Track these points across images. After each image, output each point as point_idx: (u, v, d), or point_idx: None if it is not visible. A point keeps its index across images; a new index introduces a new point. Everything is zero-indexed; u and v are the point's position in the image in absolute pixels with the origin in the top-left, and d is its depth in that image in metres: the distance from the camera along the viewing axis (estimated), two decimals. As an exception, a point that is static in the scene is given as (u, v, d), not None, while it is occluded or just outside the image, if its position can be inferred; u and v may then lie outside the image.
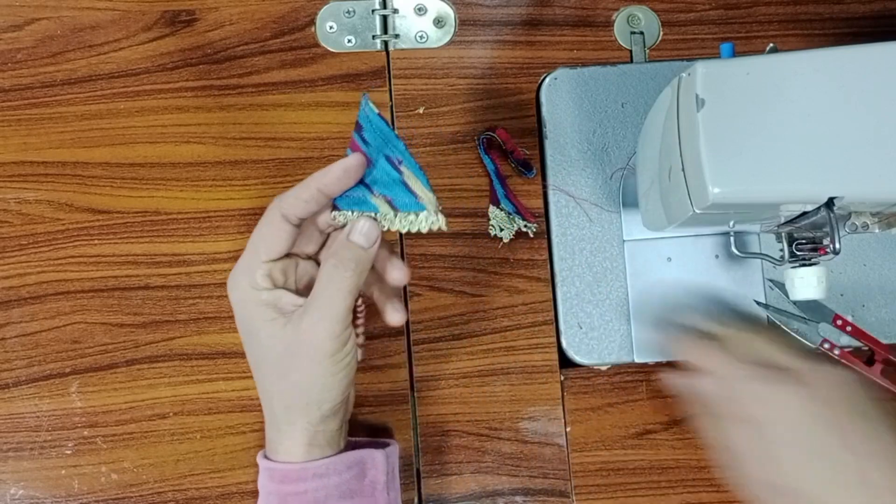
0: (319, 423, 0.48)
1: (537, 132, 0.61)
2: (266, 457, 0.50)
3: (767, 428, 0.47)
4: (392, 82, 0.62)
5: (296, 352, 0.46)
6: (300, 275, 0.49)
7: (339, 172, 0.47)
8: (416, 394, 0.58)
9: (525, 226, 0.59)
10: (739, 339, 0.51)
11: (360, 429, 0.57)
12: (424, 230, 0.48)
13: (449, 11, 0.63)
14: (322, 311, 0.46)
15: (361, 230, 0.47)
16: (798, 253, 0.54)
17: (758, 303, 0.59)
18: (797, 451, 0.46)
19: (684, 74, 0.47)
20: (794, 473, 0.46)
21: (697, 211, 0.46)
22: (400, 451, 0.54)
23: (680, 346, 0.53)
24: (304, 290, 0.49)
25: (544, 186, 0.61)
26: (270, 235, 0.47)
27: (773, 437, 0.47)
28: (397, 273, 0.49)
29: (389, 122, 0.48)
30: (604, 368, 0.59)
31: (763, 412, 0.47)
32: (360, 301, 0.51)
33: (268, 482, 0.49)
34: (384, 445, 0.52)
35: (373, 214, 0.48)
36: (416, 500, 0.57)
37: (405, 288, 0.59)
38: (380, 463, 0.50)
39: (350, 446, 0.51)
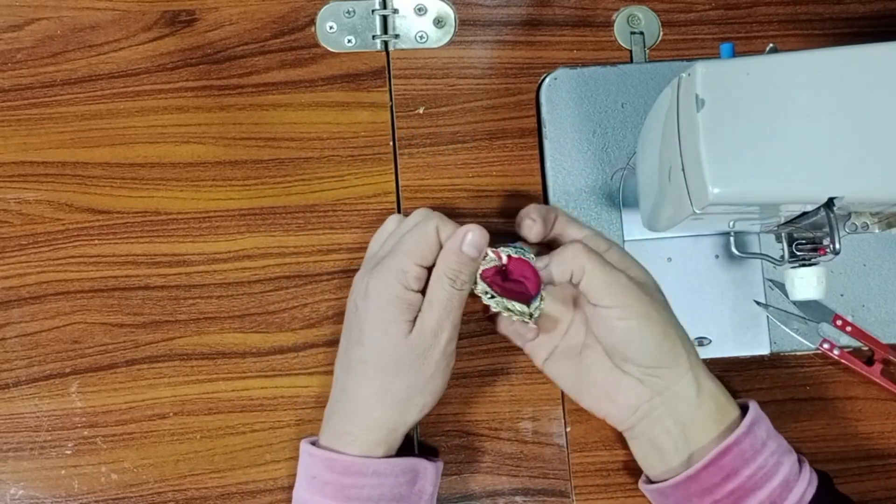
0: (409, 424, 0.51)
1: (537, 132, 0.61)
2: (317, 444, 0.52)
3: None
4: (392, 82, 0.62)
5: (425, 353, 0.49)
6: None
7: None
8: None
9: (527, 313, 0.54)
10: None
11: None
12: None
13: (449, 11, 0.63)
14: (433, 322, 0.49)
15: (470, 240, 0.50)
16: (798, 253, 0.54)
17: (758, 303, 0.59)
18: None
19: (684, 74, 0.47)
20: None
21: (697, 211, 0.46)
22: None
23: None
24: None
25: (544, 186, 0.61)
26: (426, 244, 0.50)
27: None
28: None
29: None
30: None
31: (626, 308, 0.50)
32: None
33: (325, 472, 0.50)
34: (432, 459, 0.53)
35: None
36: (416, 500, 0.57)
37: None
38: (430, 474, 0.52)
39: (399, 454, 0.52)
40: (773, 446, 0.50)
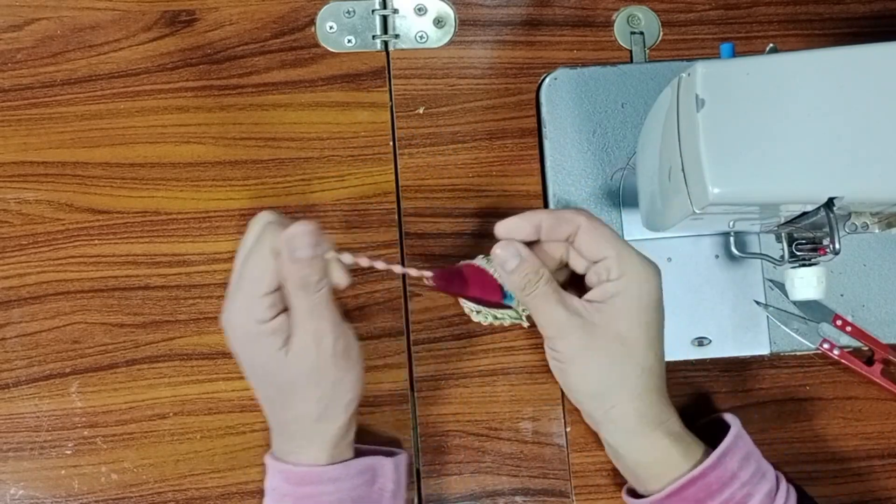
0: (346, 427, 0.50)
1: (537, 132, 0.61)
2: (276, 458, 0.51)
3: (627, 278, 0.50)
4: (392, 82, 0.62)
5: (315, 365, 0.47)
6: None
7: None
8: (416, 394, 0.58)
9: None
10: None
11: (367, 434, 0.57)
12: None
13: (449, 11, 0.63)
14: (309, 325, 0.47)
15: (298, 246, 0.46)
16: (798, 253, 0.54)
17: (758, 303, 0.59)
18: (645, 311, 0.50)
19: (684, 74, 0.47)
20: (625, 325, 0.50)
21: (697, 211, 0.46)
22: (408, 459, 0.55)
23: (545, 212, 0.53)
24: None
25: (544, 186, 0.61)
26: (265, 269, 0.46)
27: (630, 288, 0.50)
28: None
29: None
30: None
31: (625, 265, 0.50)
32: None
33: (283, 483, 0.50)
34: (393, 454, 0.53)
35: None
36: (416, 500, 0.57)
37: (405, 288, 0.59)
38: (389, 471, 0.51)
39: (358, 453, 0.52)
40: (744, 477, 0.49)
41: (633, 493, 0.53)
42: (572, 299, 0.50)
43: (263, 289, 0.46)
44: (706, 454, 0.50)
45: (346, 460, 0.50)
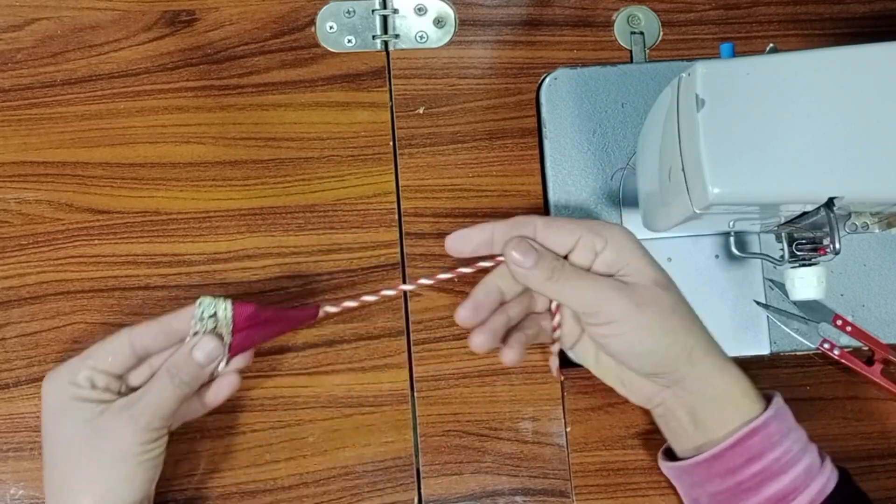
0: None
1: (537, 132, 0.61)
2: None
3: (612, 246, 0.49)
4: (392, 82, 0.62)
5: (102, 445, 0.47)
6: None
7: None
8: (416, 394, 0.58)
9: None
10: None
11: (368, 434, 0.57)
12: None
13: (449, 11, 0.63)
14: (139, 411, 0.47)
15: (205, 349, 0.49)
16: (798, 253, 0.54)
17: (758, 303, 0.59)
18: (647, 258, 0.50)
19: (684, 74, 0.47)
20: (652, 272, 0.49)
21: (697, 211, 0.46)
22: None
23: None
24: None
25: (544, 185, 0.61)
26: (109, 351, 0.49)
27: (621, 249, 0.49)
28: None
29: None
30: (604, 368, 0.59)
31: (604, 234, 0.49)
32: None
33: None
34: None
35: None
36: (416, 500, 0.57)
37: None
38: None
39: None
40: (797, 434, 0.49)
41: (670, 458, 0.53)
42: (597, 273, 0.49)
43: (92, 363, 0.48)
44: (764, 404, 0.50)
45: None
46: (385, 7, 0.63)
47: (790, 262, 0.55)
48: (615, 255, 0.49)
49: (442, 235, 0.59)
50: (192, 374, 0.49)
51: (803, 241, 0.54)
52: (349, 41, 0.62)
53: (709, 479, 0.49)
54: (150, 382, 0.49)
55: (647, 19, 0.63)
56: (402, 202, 0.60)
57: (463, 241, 0.50)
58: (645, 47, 0.63)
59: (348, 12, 0.62)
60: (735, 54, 0.50)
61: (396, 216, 0.60)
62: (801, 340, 0.59)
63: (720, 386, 0.49)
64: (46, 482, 0.49)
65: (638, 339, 0.48)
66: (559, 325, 0.52)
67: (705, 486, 0.50)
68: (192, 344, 0.49)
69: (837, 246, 0.46)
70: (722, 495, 0.49)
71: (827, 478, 0.48)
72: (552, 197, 0.60)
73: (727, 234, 0.58)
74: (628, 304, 0.47)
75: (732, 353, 0.59)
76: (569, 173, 0.60)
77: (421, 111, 0.61)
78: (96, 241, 0.59)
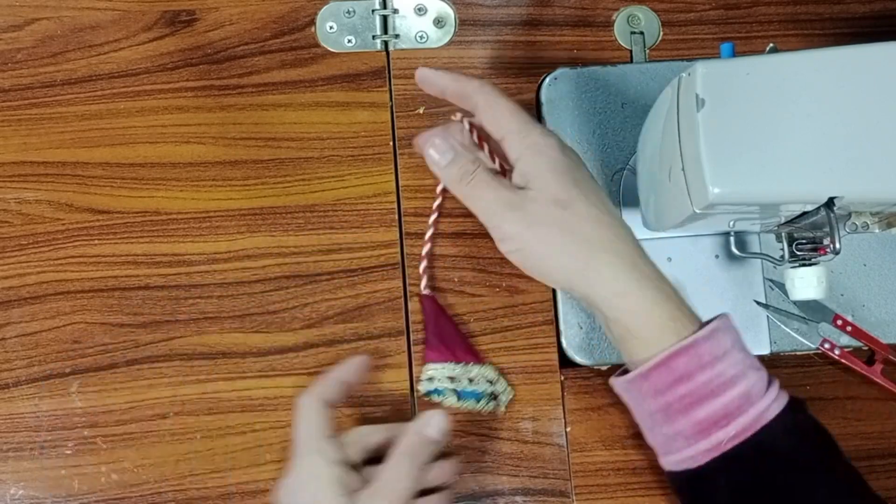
0: None
1: (537, 132, 0.61)
2: None
3: (529, 155, 0.49)
4: (392, 82, 0.62)
5: None
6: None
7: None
8: (416, 394, 0.58)
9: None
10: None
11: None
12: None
13: (449, 11, 0.63)
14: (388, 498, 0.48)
15: (437, 424, 0.50)
16: (798, 253, 0.54)
17: (758, 303, 0.59)
18: (561, 173, 0.49)
19: (684, 74, 0.47)
20: (557, 189, 0.48)
21: (697, 211, 0.46)
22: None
23: (454, 76, 0.53)
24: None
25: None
26: (322, 419, 0.51)
27: (536, 162, 0.49)
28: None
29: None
30: (604, 368, 0.59)
31: (528, 139, 0.49)
32: None
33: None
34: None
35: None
36: (416, 500, 0.57)
37: (405, 288, 0.59)
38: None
39: None
40: (737, 357, 0.47)
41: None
42: (509, 183, 0.50)
43: (327, 432, 0.51)
44: (700, 328, 0.48)
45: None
46: (385, 7, 0.63)
47: (790, 262, 0.55)
48: (527, 167, 0.49)
49: (442, 235, 0.60)
50: (426, 451, 0.50)
51: (803, 241, 0.54)
52: (349, 41, 0.62)
53: (641, 398, 0.49)
54: (389, 468, 0.49)
55: (647, 19, 0.63)
56: (402, 202, 0.60)
57: (425, 83, 0.53)
58: (645, 47, 0.63)
59: (348, 12, 0.62)
60: (735, 54, 0.50)
61: (396, 216, 0.60)
62: (801, 340, 0.59)
63: (633, 309, 0.48)
64: None
65: (526, 257, 0.49)
66: None
67: (643, 404, 0.49)
68: (422, 423, 0.50)
69: (837, 246, 0.46)
70: (658, 415, 0.48)
71: (768, 404, 0.46)
72: (552, 197, 0.60)
73: (727, 234, 0.58)
74: (520, 223, 0.48)
75: (732, 353, 0.59)
76: (569, 173, 0.60)
77: (421, 111, 0.61)
78: (96, 241, 0.59)
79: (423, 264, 0.58)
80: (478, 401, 0.56)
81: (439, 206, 0.59)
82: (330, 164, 0.60)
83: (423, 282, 0.58)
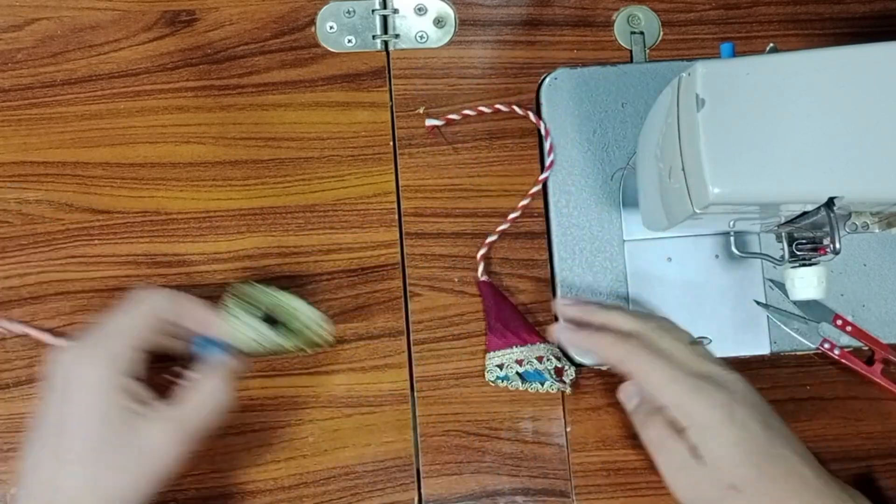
0: None
1: (537, 132, 0.61)
2: None
3: (694, 431, 0.48)
4: (392, 82, 0.62)
5: (131, 453, 0.46)
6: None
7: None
8: (416, 394, 0.58)
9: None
10: (651, 338, 0.52)
11: (368, 433, 0.57)
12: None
13: (449, 11, 0.63)
14: (186, 422, 0.47)
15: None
16: (798, 253, 0.54)
17: (758, 303, 0.59)
18: (732, 450, 0.47)
19: (684, 74, 0.47)
20: (730, 470, 0.47)
21: (697, 211, 0.46)
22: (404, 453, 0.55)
23: (597, 344, 0.54)
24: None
25: (545, 189, 0.61)
26: (144, 327, 0.48)
27: (703, 439, 0.48)
28: None
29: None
30: (604, 368, 0.59)
31: (690, 416, 0.49)
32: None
33: None
34: None
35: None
36: (416, 500, 0.57)
37: (405, 288, 0.59)
38: None
39: None
40: None
41: None
42: (684, 446, 0.49)
43: (134, 343, 0.47)
44: None
45: None
46: (385, 7, 0.63)
47: (790, 261, 0.54)
48: (698, 439, 0.48)
49: (442, 235, 0.60)
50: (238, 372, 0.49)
51: (803, 241, 0.54)
52: (349, 41, 0.62)
53: None
54: (194, 388, 0.49)
55: (647, 19, 0.63)
56: (402, 202, 0.60)
57: (565, 311, 0.56)
58: (645, 47, 0.63)
59: (348, 12, 0.62)
60: (735, 54, 0.50)
61: (396, 216, 0.60)
62: (801, 340, 0.59)
63: None
64: (37, 458, 0.46)
65: None
66: None
67: None
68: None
69: (837, 246, 0.46)
70: None
71: None
72: (552, 197, 0.60)
73: (727, 234, 0.58)
74: (691, 490, 0.49)
75: (732, 353, 0.59)
76: (569, 173, 0.60)
77: (421, 111, 0.61)
78: (96, 241, 0.59)
79: (482, 251, 0.59)
80: (542, 383, 0.57)
81: (524, 206, 0.60)
82: (330, 164, 0.60)
83: (480, 268, 0.58)
